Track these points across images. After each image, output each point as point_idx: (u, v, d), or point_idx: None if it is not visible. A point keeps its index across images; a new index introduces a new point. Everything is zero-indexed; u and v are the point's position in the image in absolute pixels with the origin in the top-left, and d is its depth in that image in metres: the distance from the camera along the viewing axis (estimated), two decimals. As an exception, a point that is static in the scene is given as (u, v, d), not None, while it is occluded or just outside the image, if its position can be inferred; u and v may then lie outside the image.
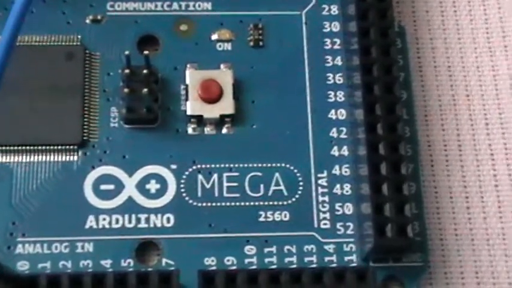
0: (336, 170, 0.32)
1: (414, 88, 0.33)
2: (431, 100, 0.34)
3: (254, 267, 0.30)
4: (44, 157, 0.31)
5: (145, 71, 0.32)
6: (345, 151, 0.32)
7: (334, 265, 0.30)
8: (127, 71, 0.32)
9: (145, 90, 0.31)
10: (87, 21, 0.33)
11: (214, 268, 0.30)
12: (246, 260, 0.30)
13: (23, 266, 0.30)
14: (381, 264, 0.30)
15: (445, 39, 0.35)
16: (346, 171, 0.32)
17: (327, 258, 0.30)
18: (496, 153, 0.33)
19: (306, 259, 0.30)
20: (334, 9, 0.34)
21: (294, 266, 0.30)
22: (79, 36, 0.33)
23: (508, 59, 0.34)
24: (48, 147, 0.31)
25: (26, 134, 0.31)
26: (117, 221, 0.31)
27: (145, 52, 0.32)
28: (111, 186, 0.31)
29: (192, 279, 0.29)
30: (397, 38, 0.32)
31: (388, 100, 0.30)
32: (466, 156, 0.33)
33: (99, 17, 0.33)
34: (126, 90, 0.31)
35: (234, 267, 0.30)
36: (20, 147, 0.31)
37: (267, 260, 0.30)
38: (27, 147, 0.31)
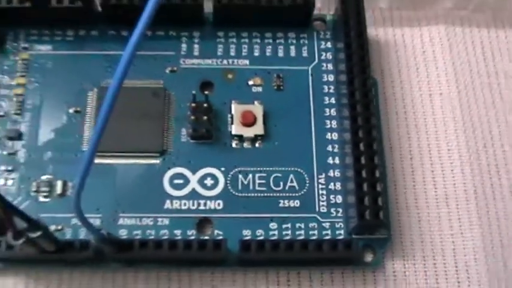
0: (331, 173, 0.30)
1: (382, 120, 0.32)
2: (393, 128, 0.32)
3: (275, 237, 0.29)
4: (136, 160, 0.30)
5: (205, 105, 0.30)
6: (337, 160, 0.31)
7: (329, 237, 0.29)
8: (193, 104, 0.30)
9: (205, 117, 0.30)
10: (167, 71, 0.32)
11: (249, 238, 0.29)
12: (270, 233, 0.29)
13: (122, 233, 0.29)
14: (360, 237, 0.29)
15: (401, 89, 0.33)
16: (337, 174, 0.30)
17: (324, 232, 0.29)
18: (434, 163, 0.32)
19: (310, 232, 0.29)
20: (330, 66, 0.32)
21: (302, 237, 0.29)
22: (161, 81, 0.31)
23: (442, 104, 0.33)
24: (139, 154, 0.30)
25: (125, 144, 0.30)
26: (184, 204, 0.29)
27: (206, 92, 0.31)
28: (181, 181, 0.30)
29: (235, 246, 0.28)
30: (372, 87, 0.31)
31: (367, 127, 0.29)
32: (415, 165, 0.32)
33: (175, 69, 0.32)
34: (192, 117, 0.30)
35: (262, 238, 0.29)
36: (121, 153, 0.30)
37: (284, 232, 0.29)
38: (126, 153, 0.30)
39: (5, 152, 0.30)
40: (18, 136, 0.30)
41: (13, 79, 0.31)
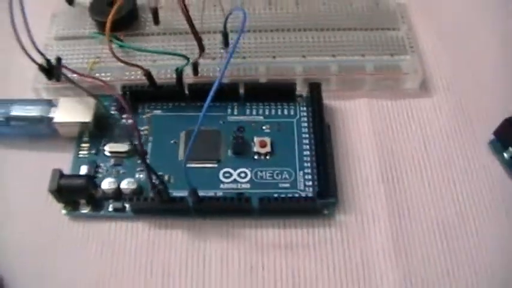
0: (306, 170, 0.41)
1: (333, 147, 0.42)
2: (340, 146, 0.43)
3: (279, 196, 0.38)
4: (206, 164, 0.41)
5: (240, 140, 0.42)
6: (309, 164, 0.41)
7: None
8: (234, 140, 0.42)
9: (241, 143, 0.41)
10: (220, 122, 0.43)
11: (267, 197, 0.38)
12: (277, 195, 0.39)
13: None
14: (322, 201, 0.39)
15: (343, 131, 0.45)
16: (309, 171, 0.41)
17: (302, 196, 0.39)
18: (361, 165, 0.43)
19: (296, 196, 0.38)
20: (305, 119, 0.44)
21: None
22: (217, 127, 0.42)
23: (366, 141, 0.43)
24: (206, 161, 0.41)
25: (200, 155, 0.41)
26: (230, 186, 0.40)
27: (241, 134, 0.42)
28: (228, 175, 0.41)
29: (255, 203, 0.39)
30: (326, 127, 0.41)
31: (323, 145, 0.41)
32: (351, 166, 0.43)
33: (224, 121, 0.42)
34: (234, 143, 0.41)
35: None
36: (198, 160, 0.41)
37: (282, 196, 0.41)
38: (200, 161, 0.41)
39: (138, 162, 0.41)
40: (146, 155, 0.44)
41: (142, 127, 0.43)
